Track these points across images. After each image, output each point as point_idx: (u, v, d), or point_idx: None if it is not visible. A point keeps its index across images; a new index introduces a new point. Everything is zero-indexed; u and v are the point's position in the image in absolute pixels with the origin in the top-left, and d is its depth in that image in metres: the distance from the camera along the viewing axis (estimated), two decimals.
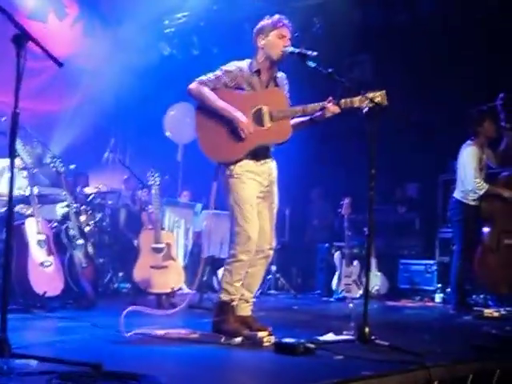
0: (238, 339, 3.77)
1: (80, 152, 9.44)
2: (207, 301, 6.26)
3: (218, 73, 4.30)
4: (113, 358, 3.16)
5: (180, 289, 6.82)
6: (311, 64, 4.12)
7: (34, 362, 2.70)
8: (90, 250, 6.14)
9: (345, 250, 8.33)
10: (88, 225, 6.66)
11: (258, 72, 4.33)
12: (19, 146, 5.43)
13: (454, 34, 8.52)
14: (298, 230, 10.13)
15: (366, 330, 3.68)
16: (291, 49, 4.24)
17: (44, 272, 5.40)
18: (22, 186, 6.20)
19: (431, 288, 8.34)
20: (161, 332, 4.08)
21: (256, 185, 4.26)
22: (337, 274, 8.33)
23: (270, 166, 4.39)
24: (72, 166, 7.00)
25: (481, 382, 3.32)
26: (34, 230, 5.46)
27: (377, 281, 8.19)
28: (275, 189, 4.44)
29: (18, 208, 5.99)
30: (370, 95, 4.09)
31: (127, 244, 7.43)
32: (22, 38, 2.85)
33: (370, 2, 9.03)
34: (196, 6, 9.90)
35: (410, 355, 3.30)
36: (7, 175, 5.92)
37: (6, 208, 5.22)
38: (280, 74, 4.48)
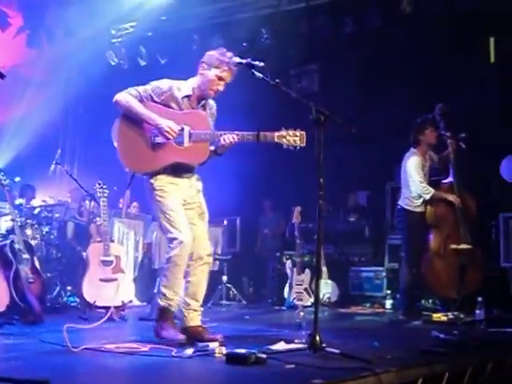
0: (189, 351, 3.73)
1: (26, 164, 9.26)
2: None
3: (147, 87, 4.40)
4: (61, 374, 3.09)
5: (130, 301, 6.73)
6: (258, 75, 4.14)
7: None
8: (37, 264, 6.02)
9: (296, 259, 8.37)
10: (34, 238, 6.53)
11: (189, 97, 4.45)
12: None
13: (398, 45, 8.73)
14: (249, 239, 10.15)
15: (317, 337, 3.70)
16: (238, 59, 4.25)
17: None
18: None
19: (381, 294, 8.46)
20: (111, 346, 4.01)
21: (178, 193, 4.37)
22: (288, 282, 8.36)
23: (192, 181, 4.51)
24: (17, 179, 6.84)
25: None
26: None
27: (328, 288, 8.25)
28: (202, 199, 4.58)
29: None
30: (288, 133, 4.27)
31: (75, 257, 7.31)
32: None
33: (317, 13, 9.13)
34: (144, 16, 9.85)
35: (361, 362, 3.32)
36: None
37: None
38: (211, 102, 4.59)
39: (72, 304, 7.31)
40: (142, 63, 10.30)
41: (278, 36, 9.31)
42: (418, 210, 6.67)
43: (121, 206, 8.26)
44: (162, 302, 4.32)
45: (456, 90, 8.26)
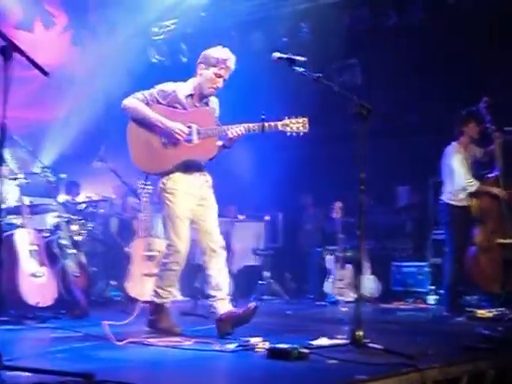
0: (232, 345, 3.76)
1: (71, 161, 9.41)
2: (201, 307, 6.24)
3: (153, 90, 4.61)
4: (106, 367, 3.14)
5: (174, 296, 6.80)
6: (299, 69, 4.13)
7: (25, 374, 2.69)
8: (82, 259, 6.13)
9: (337, 254, 8.34)
10: (80, 234, 6.63)
11: (191, 96, 4.63)
12: (8, 155, 5.41)
13: (441, 38, 8.58)
14: (291, 235, 10.14)
15: (360, 333, 3.68)
16: (279, 54, 4.24)
17: (36, 282, 5.38)
18: (12, 196, 6.18)
19: (424, 290, 8.35)
20: (154, 340, 4.07)
21: (189, 198, 4.56)
22: (330, 277, 8.33)
23: (202, 179, 4.68)
24: (63, 176, 6.97)
25: (474, 382, 3.33)
26: (24, 241, 5.43)
27: (370, 284, 8.20)
28: (212, 194, 4.76)
29: (8, 218, 5.96)
30: (291, 121, 4.46)
31: (119, 252, 7.41)
32: (8, 49, 2.85)
33: (357, 6, 9.05)
34: (184, 13, 9.91)
35: (404, 358, 3.30)
36: None
37: None
38: (212, 98, 4.76)
39: (116, 298, 7.43)
40: (184, 59, 10.37)
41: (317, 30, 9.26)
42: (462, 204, 6.57)
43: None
44: (157, 300, 4.60)
45: (501, 84, 8.08)
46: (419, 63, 8.96)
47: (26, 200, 5.82)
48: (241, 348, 3.73)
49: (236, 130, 4.46)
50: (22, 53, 2.90)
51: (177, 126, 4.47)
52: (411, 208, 9.45)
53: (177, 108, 4.59)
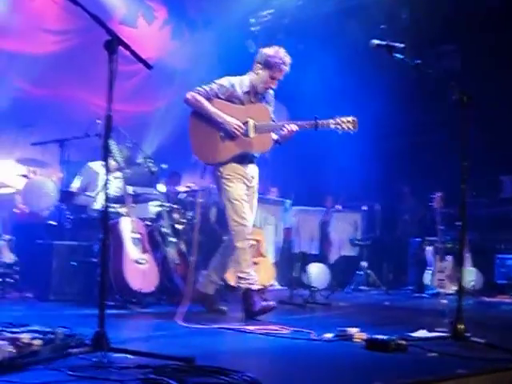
0: (329, 335, 3.76)
1: (172, 151, 9.66)
2: (297, 297, 6.27)
3: (213, 85, 4.90)
4: (206, 353, 3.22)
5: (271, 285, 6.86)
6: (398, 56, 4.05)
7: (130, 357, 2.80)
8: (183, 247, 6.28)
9: (438, 245, 8.14)
10: (180, 223, 6.81)
11: (248, 92, 4.91)
12: (113, 147, 5.62)
13: None
14: (389, 225, 9.98)
15: (461, 326, 3.59)
16: (377, 42, 4.17)
17: (139, 269, 5.56)
18: (116, 186, 6.43)
19: None
20: (252, 327, 4.13)
21: (243, 185, 4.89)
22: (429, 269, 8.15)
23: (254, 170, 5.03)
24: (164, 166, 7.17)
25: None
26: (128, 229, 5.63)
27: (471, 276, 7.95)
28: (257, 189, 5.10)
29: (114, 207, 6.21)
30: (342, 120, 4.72)
31: (219, 241, 7.53)
32: (113, 44, 2.95)
33: None
34: (281, 3, 9.92)
35: (507, 353, 3.19)
36: (102, 176, 6.14)
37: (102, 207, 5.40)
38: (270, 92, 5.04)
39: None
40: None
41: (416, 16, 9.03)
42: None
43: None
44: (243, 286, 4.81)
45: None
46: None
47: (130, 189, 6.02)
48: (338, 338, 3.72)
49: (291, 127, 4.74)
50: (126, 47, 3.00)
51: (234, 122, 4.77)
52: None
53: (234, 103, 4.88)
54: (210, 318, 4.58)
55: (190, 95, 4.87)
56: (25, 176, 7.58)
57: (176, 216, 6.71)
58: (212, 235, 7.92)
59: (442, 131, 8.37)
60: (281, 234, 8.75)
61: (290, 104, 9.09)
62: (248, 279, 4.83)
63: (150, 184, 6.65)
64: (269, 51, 4.90)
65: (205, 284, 5.16)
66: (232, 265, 5.00)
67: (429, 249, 8.28)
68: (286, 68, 4.87)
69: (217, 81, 4.92)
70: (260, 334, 3.98)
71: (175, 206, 6.80)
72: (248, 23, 10.58)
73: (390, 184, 9.92)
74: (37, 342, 2.83)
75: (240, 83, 4.91)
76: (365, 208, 9.39)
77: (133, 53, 3.04)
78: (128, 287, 5.37)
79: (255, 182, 5.05)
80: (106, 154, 3.03)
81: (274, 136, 4.95)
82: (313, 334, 3.83)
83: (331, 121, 4.73)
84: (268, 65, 4.84)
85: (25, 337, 2.83)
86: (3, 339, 2.76)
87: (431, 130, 9.28)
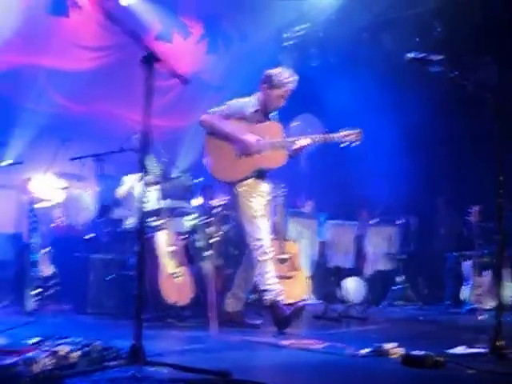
0: (364, 350, 3.73)
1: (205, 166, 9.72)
2: (332, 311, 6.23)
3: (223, 107, 5.11)
4: (241, 366, 3.22)
5: (305, 299, 6.83)
6: (435, 69, 4.02)
7: (165, 370, 2.82)
8: (217, 261, 6.30)
9: (475, 259, 8.01)
10: (214, 236, 6.83)
11: (256, 111, 5.10)
12: (149, 161, 5.68)
13: None
14: (425, 239, 9.86)
15: (500, 343, 3.52)
16: (413, 55, 4.16)
17: (174, 282, 5.60)
18: (152, 200, 6.49)
19: None
20: (287, 342, 4.12)
21: (260, 200, 5.03)
22: (467, 284, 8.02)
23: (268, 186, 5.21)
24: (198, 180, 7.23)
25: None
26: (164, 243, 5.68)
27: (510, 291, 7.79)
28: (270, 204, 5.34)
29: (150, 221, 6.26)
30: (345, 133, 4.92)
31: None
32: (150, 60, 3.00)
33: (491, 1, 8.66)
34: (315, 17, 9.95)
35: None
36: (139, 190, 6.20)
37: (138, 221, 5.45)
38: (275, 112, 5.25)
39: (249, 301, 7.56)
40: (314, 64, 10.41)
41: (451, 28, 8.96)
42: None
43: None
44: (268, 298, 4.86)
45: None
46: None
47: (165, 203, 6.07)
48: (373, 353, 3.69)
49: (303, 141, 4.93)
50: (162, 62, 3.04)
51: (250, 138, 4.95)
52: None
53: (245, 122, 5.06)
54: (245, 332, 4.58)
55: (204, 117, 5.11)
56: (63, 190, 7.72)
57: (211, 230, 6.74)
58: (246, 249, 7.94)
59: (479, 144, 8.26)
60: (315, 247, 8.72)
61: (324, 117, 9.09)
62: (273, 291, 4.88)
63: (185, 198, 6.70)
64: (274, 71, 5.12)
65: (231, 303, 5.26)
66: (255, 278, 5.02)
67: (466, 263, 8.14)
68: (292, 86, 5.06)
69: (227, 102, 5.15)
70: (294, 348, 3.97)
71: (210, 220, 6.83)
72: (282, 38, 10.62)
73: (425, 197, 9.81)
74: (74, 355, 2.86)
75: (249, 104, 5.12)
76: (400, 222, 9.30)
77: (169, 68, 3.08)
78: (163, 300, 5.41)
79: (269, 198, 5.26)
80: (142, 169, 3.06)
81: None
82: (348, 349, 3.81)
83: (335, 134, 4.96)
84: (275, 84, 5.03)
85: (63, 349, 2.87)
86: (42, 351, 2.80)
87: (467, 142, 9.17)
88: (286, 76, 5.07)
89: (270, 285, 4.90)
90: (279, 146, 5.03)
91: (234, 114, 5.07)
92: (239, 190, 5.01)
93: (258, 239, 4.92)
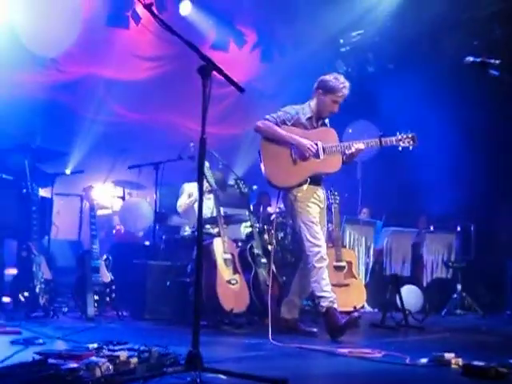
0: (424, 360, 3.66)
1: (262, 173, 9.76)
2: (390, 319, 6.15)
3: (279, 113, 5.14)
4: (298, 375, 3.21)
5: (362, 307, 6.77)
6: (494, 73, 3.94)
7: (223, 377, 2.83)
8: (274, 268, 6.30)
9: None
10: (271, 243, 6.85)
11: (310, 118, 5.16)
12: (206, 169, 5.74)
13: None
14: (485, 246, 9.63)
15: None
16: (472, 58, 4.10)
17: (231, 289, 5.63)
18: (208, 208, 6.56)
19: None
20: (344, 350, 4.08)
21: (316, 206, 5.06)
22: None
23: (323, 192, 5.22)
24: (254, 187, 7.26)
25: None
26: (220, 250, 5.72)
27: None
28: (325, 211, 5.27)
29: (206, 228, 6.33)
30: (402, 136, 5.02)
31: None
32: (207, 68, 3.03)
33: None
34: (370, 23, 9.87)
35: None
36: (196, 198, 6.27)
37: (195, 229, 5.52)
38: (326, 121, 5.29)
39: (306, 308, 7.53)
40: (370, 70, 10.33)
41: (509, 30, 8.75)
42: None
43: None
44: (324, 304, 4.87)
45: None
46: None
47: (222, 211, 6.11)
48: (433, 363, 3.62)
49: (358, 145, 4.98)
50: (219, 71, 3.07)
51: (307, 142, 4.96)
52: None
53: (299, 128, 5.09)
54: (302, 340, 4.56)
55: (260, 123, 5.12)
56: (121, 198, 7.88)
57: (267, 237, 6.76)
58: (302, 257, 7.92)
59: None
60: (372, 255, 8.62)
61: (380, 123, 9.00)
62: (328, 298, 4.88)
63: (241, 205, 6.73)
64: (328, 77, 5.14)
65: (288, 310, 5.26)
66: (312, 285, 4.99)
67: None
68: (346, 91, 5.08)
69: (282, 109, 5.19)
70: (352, 356, 3.94)
71: (266, 227, 6.86)
72: (337, 44, 10.58)
73: (485, 203, 9.59)
74: (133, 361, 2.91)
75: (302, 110, 5.17)
76: (458, 228, 9.13)
77: (226, 77, 3.11)
78: (220, 307, 5.44)
79: (325, 204, 5.25)
80: (200, 176, 3.09)
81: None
82: (407, 358, 3.75)
83: (394, 138, 5.02)
84: (329, 89, 5.07)
85: (122, 355, 2.92)
86: (102, 356, 2.86)
87: None
88: (341, 81, 5.10)
89: (326, 291, 4.90)
90: (335, 151, 5.05)
91: (289, 120, 5.11)
92: (296, 194, 5.01)
93: (316, 245, 4.93)
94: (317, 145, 5.01)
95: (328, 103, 5.11)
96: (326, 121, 5.32)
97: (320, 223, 5.08)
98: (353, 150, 4.99)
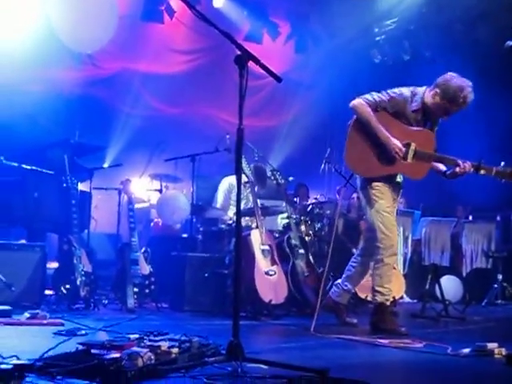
0: (467, 350, 3.62)
1: (298, 163, 9.74)
2: (430, 310, 6.09)
3: (384, 97, 4.65)
4: (338, 364, 3.20)
5: (401, 297, 6.71)
6: None
7: (264, 367, 2.84)
8: (311, 259, 6.29)
9: None
10: (308, 234, 6.83)
11: (416, 111, 4.65)
12: (242, 161, 5.74)
13: None
14: None
15: None
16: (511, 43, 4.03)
17: (269, 280, 5.64)
18: (247, 200, 6.57)
19: None
20: (384, 341, 4.06)
21: (391, 200, 4.76)
22: None
23: (399, 188, 4.86)
24: (291, 178, 7.25)
25: None
26: (258, 241, 5.73)
27: None
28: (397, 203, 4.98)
29: (244, 220, 6.34)
30: (501, 170, 4.63)
31: (346, 253, 7.48)
32: (243, 58, 3.02)
33: None
34: (405, 10, 9.75)
35: None
36: (235, 190, 6.29)
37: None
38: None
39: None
40: (406, 58, 10.21)
41: None
42: None
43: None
44: (379, 299, 4.73)
45: None
46: None
47: (259, 202, 6.11)
48: (476, 353, 3.58)
49: (466, 167, 4.57)
50: (256, 61, 3.05)
51: (397, 145, 4.56)
52: None
53: (400, 120, 4.66)
54: (341, 330, 4.55)
55: (358, 103, 4.66)
56: (159, 191, 7.94)
57: (304, 228, 6.74)
58: (340, 246, 7.88)
59: None
60: (410, 245, 8.53)
61: None
62: (386, 295, 4.74)
63: (278, 196, 6.73)
64: (455, 83, 4.56)
65: (339, 293, 5.06)
66: (372, 277, 4.84)
67: None
68: (465, 106, 4.58)
69: (389, 91, 4.69)
70: (392, 347, 3.91)
71: (303, 218, 6.84)
72: (372, 33, 10.47)
73: None
74: (174, 351, 2.93)
75: (412, 99, 4.66)
76: (499, 218, 8.98)
77: (263, 66, 3.09)
78: (259, 298, 5.45)
79: (397, 201, 4.95)
80: (238, 169, 3.08)
81: (443, 167, 4.78)
82: (449, 348, 3.71)
83: (494, 169, 4.65)
84: (449, 97, 4.55)
85: (163, 345, 2.94)
86: (143, 347, 2.89)
87: None
88: (463, 94, 4.52)
89: (385, 288, 4.74)
90: (426, 159, 4.67)
91: (391, 107, 4.64)
92: (372, 186, 4.71)
93: (386, 236, 4.68)
94: (408, 145, 4.62)
95: (441, 109, 4.62)
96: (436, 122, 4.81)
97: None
98: (458, 170, 4.61)
